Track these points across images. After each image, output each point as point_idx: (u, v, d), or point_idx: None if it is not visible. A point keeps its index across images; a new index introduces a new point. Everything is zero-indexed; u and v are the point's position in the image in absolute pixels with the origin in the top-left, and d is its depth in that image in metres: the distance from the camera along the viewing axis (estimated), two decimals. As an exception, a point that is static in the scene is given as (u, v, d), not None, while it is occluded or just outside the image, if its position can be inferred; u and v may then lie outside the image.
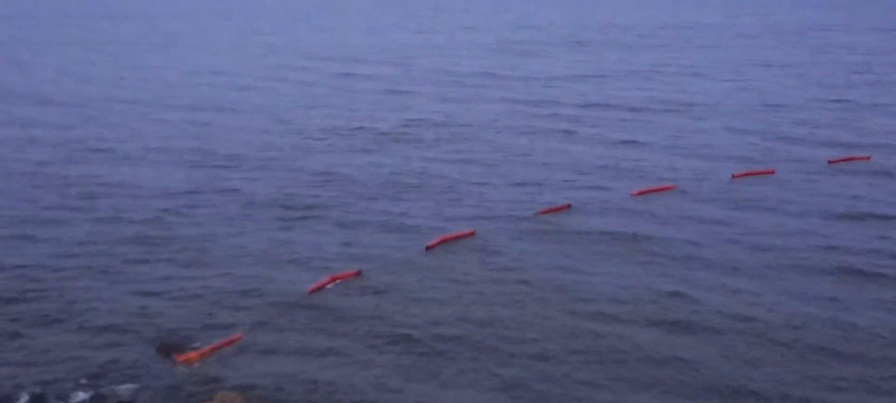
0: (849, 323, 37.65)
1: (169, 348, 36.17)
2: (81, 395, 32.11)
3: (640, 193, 60.47)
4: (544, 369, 34.04)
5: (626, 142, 79.56)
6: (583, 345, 36.06)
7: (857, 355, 34.70)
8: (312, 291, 42.65)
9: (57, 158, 76.05)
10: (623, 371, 33.67)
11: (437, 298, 41.93)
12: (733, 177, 64.63)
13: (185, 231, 53.17)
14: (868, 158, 69.50)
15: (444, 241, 50.22)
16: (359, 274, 45.26)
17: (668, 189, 61.82)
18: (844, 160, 69.32)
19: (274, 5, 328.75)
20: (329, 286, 43.51)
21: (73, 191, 63.62)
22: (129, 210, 58.17)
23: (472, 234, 51.44)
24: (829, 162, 68.84)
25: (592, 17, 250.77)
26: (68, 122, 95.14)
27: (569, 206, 57.47)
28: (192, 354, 35.61)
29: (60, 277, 45.21)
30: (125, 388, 32.91)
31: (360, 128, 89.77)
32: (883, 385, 32.23)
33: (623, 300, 41.02)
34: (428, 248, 49.26)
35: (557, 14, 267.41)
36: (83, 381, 33.41)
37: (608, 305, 40.36)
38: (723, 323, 38.05)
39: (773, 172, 65.88)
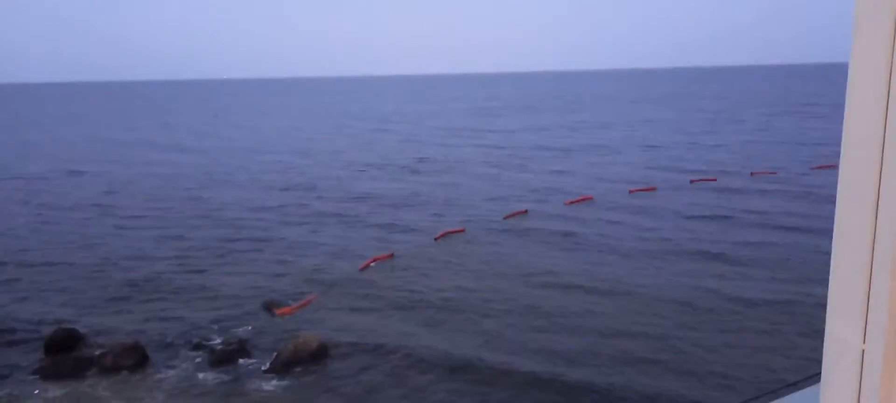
0: (700, 287, 38.70)
1: (271, 305, 37.25)
2: (216, 338, 32.88)
3: (571, 203, 61.52)
4: (508, 321, 35.08)
5: (560, 171, 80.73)
6: (532, 304, 36.99)
7: (706, 309, 35.69)
8: (362, 269, 43.67)
9: (195, 186, 77.06)
10: (558, 321, 34.62)
11: (443, 272, 42.81)
12: (630, 191, 65.70)
13: (278, 232, 54.15)
14: (714, 180, 70.58)
15: (446, 235, 51.28)
16: (391, 256, 46.24)
17: (588, 199, 62.87)
18: (702, 180, 70.40)
19: (326, 85, 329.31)
20: (372, 265, 44.54)
21: (206, 207, 64.66)
22: (243, 219, 59.22)
23: (462, 231, 52.48)
24: (692, 181, 69.92)
25: (535, 91, 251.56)
26: (199, 163, 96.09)
27: (526, 212, 58.48)
28: (286, 309, 36.59)
29: (201, 262, 46.26)
30: (244, 329, 33.95)
31: (388, 163, 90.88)
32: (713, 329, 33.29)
33: (558, 273, 42.04)
34: (436, 239, 50.31)
35: (513, 90, 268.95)
36: (215, 326, 34.40)
37: (549, 278, 41.32)
38: (618, 287, 39.07)
39: (655, 189, 67.01)
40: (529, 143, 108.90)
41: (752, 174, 73.17)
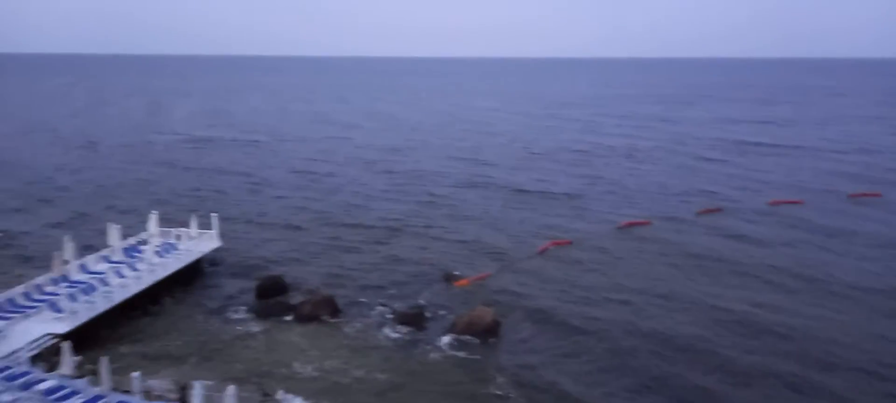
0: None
1: (450, 277, 38.61)
2: (398, 304, 34.74)
3: (777, 203, 56.12)
4: (690, 323, 32.93)
5: (760, 169, 73.50)
6: (724, 308, 34.41)
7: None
8: (540, 252, 43.55)
9: (394, 157, 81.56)
10: (760, 333, 31.87)
11: (622, 263, 41.35)
12: (850, 196, 58.36)
13: (459, 209, 55.72)
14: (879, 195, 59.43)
15: (630, 225, 49.46)
16: (570, 242, 45.58)
17: (797, 203, 56.61)
18: (862, 195, 59.42)
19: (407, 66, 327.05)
20: (550, 248, 44.27)
21: (401, 179, 68.36)
22: (437, 193, 61.84)
23: (649, 224, 50.14)
24: (849, 195, 59.33)
25: (713, 79, 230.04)
26: (410, 138, 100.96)
27: (721, 209, 54.42)
28: (464, 281, 37.70)
29: (392, 230, 49.21)
30: (425, 295, 35.64)
31: (572, 149, 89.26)
32: None
33: (763, 281, 38.52)
34: (619, 228, 48.74)
35: (685, 77, 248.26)
36: (399, 290, 36.49)
37: (747, 285, 38.08)
38: (845, 291, 34.89)
39: (880, 195, 58.77)
40: (726, 136, 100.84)
41: None
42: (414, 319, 32.38)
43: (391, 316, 33.02)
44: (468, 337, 30.38)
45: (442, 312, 33.57)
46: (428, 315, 33.08)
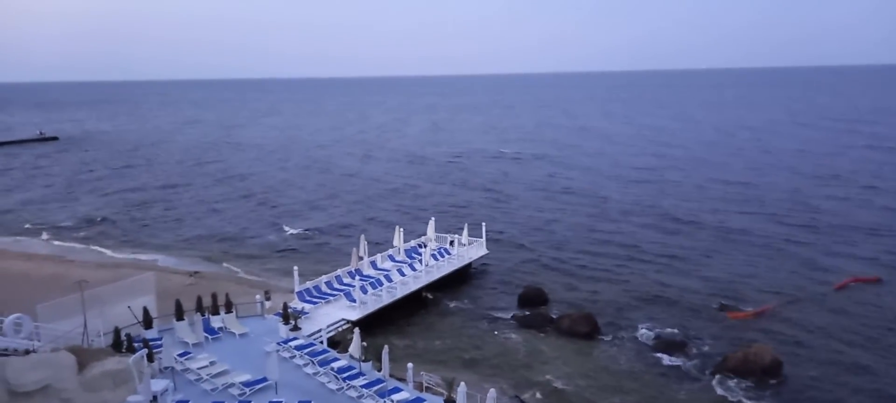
0: None
1: (723, 307, 35.51)
2: (661, 330, 33.07)
3: None
4: None
5: None
6: None
7: None
8: (838, 288, 37.78)
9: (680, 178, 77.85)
10: None
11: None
12: None
13: (733, 235, 50.94)
14: None
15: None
16: (878, 280, 38.79)
17: None
18: None
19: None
20: (851, 285, 38.16)
21: (685, 198, 65.00)
22: (706, 213, 57.65)
23: None
24: None
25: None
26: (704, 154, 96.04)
27: None
28: (740, 314, 34.40)
29: (652, 259, 46.96)
30: (692, 324, 33.23)
31: (859, 169, 75.64)
32: None
33: None
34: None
35: None
36: (658, 317, 34.59)
37: None
38: None
39: None
40: None
41: None
42: (678, 348, 30.40)
43: (653, 341, 31.45)
44: (741, 377, 27.51)
45: (711, 344, 31.02)
46: (694, 346, 30.82)
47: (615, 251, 46.66)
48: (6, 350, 21.46)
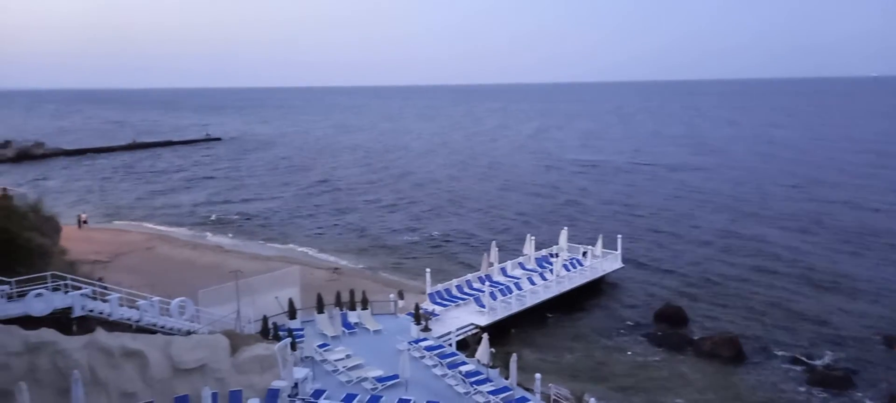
0: None
1: (892, 341, 31.84)
2: (818, 358, 30.35)
3: None
4: None
5: None
6: None
7: None
8: None
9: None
10: None
11: None
12: None
13: (917, 257, 45.35)
14: None
15: None
16: None
17: None
18: None
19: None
20: None
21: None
22: (863, 233, 52.06)
23: None
24: None
25: None
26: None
27: None
28: (912, 350, 30.68)
29: (806, 285, 43.07)
30: (853, 357, 30.16)
31: None
32: None
33: None
34: None
35: None
36: (813, 346, 31.60)
37: None
38: None
39: None
40: None
41: None
42: (836, 382, 27.60)
43: (807, 373, 28.78)
44: (913, 420, 24.46)
45: (875, 380, 28.04)
46: (856, 380, 27.93)
47: (765, 275, 43.09)
48: (172, 329, 23.76)
